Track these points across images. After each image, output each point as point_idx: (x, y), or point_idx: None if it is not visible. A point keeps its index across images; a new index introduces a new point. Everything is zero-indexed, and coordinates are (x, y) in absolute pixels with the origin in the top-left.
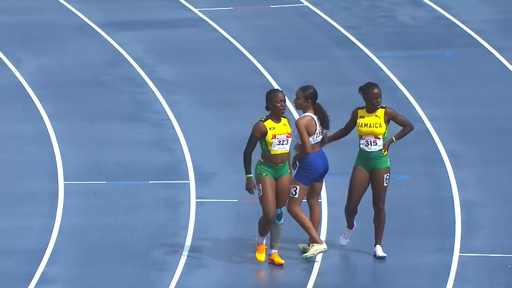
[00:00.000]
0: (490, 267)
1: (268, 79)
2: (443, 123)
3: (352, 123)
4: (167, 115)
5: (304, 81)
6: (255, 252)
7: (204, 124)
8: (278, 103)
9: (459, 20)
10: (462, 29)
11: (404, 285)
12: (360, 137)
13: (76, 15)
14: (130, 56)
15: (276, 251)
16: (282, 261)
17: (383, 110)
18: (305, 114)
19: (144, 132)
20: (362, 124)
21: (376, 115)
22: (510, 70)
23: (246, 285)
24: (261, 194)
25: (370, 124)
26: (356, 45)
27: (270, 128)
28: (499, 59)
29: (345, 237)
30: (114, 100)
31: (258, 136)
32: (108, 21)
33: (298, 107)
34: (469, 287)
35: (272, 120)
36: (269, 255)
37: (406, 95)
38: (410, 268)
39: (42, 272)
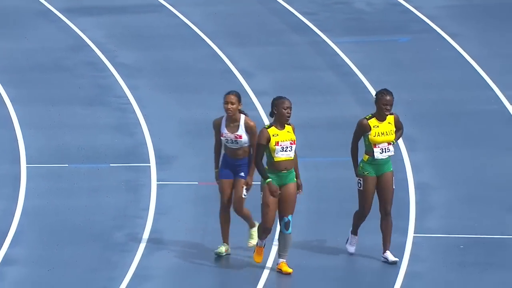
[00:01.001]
0: (443, 248)
1: (228, 64)
2: (398, 107)
3: (360, 134)
4: (128, 99)
5: (263, 66)
6: (253, 252)
7: (164, 108)
8: (285, 110)
9: (413, 7)
10: (416, 15)
11: (359, 265)
12: (374, 146)
13: (38, 0)
14: (91, 41)
15: (284, 260)
16: (290, 270)
17: (393, 116)
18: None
19: (105, 116)
20: (378, 133)
21: (388, 122)
22: (462, 56)
23: (206, 266)
24: (261, 201)
25: (385, 132)
26: (313, 30)
27: (273, 135)
28: (452, 45)
29: (352, 244)
30: (76, 84)
31: (265, 143)
32: (69, 6)
33: (234, 112)
34: (423, 267)
35: (276, 127)
36: (277, 264)
37: (362, 80)
38: (366, 249)
39: (4, 254)
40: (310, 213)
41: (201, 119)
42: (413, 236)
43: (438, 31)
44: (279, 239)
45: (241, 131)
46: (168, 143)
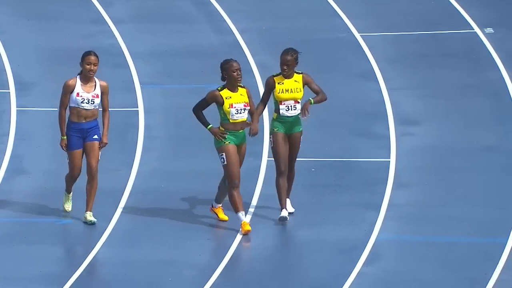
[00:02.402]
0: (295, 170)
1: None
2: (252, 35)
3: (268, 93)
4: None
5: None
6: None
7: (23, 35)
8: (234, 72)
9: None
10: None
11: (215, 189)
12: (279, 103)
13: None
14: None
15: (221, 205)
16: (226, 218)
17: (301, 75)
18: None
19: None
20: (282, 90)
21: (295, 80)
22: None
23: (63, 188)
24: (225, 162)
25: (291, 89)
26: None
27: (226, 98)
28: None
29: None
30: None
31: (210, 102)
32: None
33: (95, 73)
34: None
35: (229, 89)
36: (214, 208)
37: (218, 9)
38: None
39: None
40: (170, 138)
41: (59, 46)
42: (267, 160)
43: None
44: (220, 187)
45: (98, 91)
46: (28, 70)
